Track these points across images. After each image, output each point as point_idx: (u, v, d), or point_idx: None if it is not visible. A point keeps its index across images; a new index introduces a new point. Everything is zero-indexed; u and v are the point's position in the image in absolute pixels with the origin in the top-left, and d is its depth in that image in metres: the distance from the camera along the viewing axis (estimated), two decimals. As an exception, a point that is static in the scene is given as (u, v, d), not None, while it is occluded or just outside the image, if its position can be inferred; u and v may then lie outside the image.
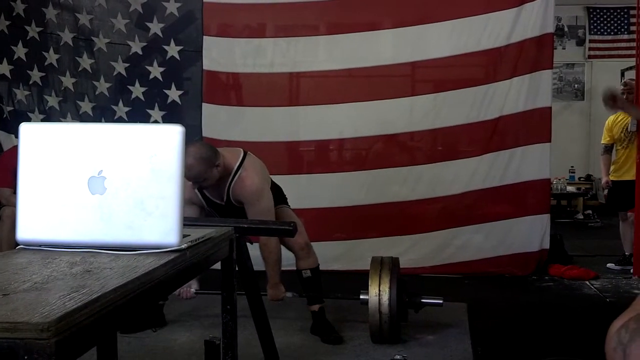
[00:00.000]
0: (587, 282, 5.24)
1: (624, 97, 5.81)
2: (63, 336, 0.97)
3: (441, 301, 3.68)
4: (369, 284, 3.55)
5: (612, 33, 10.27)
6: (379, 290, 3.50)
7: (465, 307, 4.38)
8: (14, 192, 4.69)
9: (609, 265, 5.79)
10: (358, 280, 4.05)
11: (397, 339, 3.62)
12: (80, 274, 1.28)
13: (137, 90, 5.77)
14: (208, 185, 3.44)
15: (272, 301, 3.70)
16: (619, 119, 5.86)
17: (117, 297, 1.16)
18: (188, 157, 3.25)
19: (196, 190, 3.53)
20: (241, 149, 3.65)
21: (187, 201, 3.40)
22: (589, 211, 9.38)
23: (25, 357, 0.94)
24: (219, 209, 3.64)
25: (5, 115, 5.89)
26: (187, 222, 1.59)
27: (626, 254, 5.75)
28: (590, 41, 10.38)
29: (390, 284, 3.51)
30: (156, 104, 5.77)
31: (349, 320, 4.06)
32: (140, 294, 1.27)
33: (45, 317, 0.96)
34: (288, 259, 3.84)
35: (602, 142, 6.08)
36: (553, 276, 5.41)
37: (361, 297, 3.60)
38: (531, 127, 5.48)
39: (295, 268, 3.88)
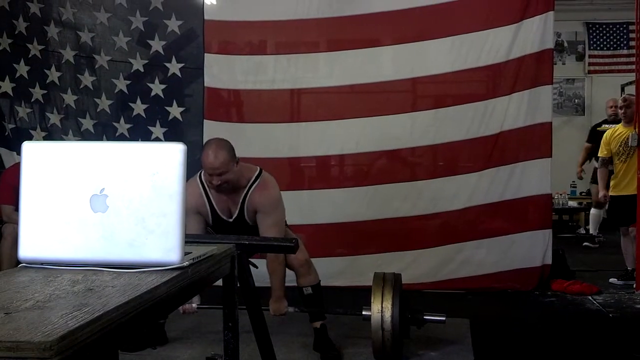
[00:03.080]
0: (590, 297, 5.22)
1: (623, 112, 5.84)
2: (65, 355, 0.97)
3: (444, 318, 3.66)
4: (372, 300, 3.54)
5: (611, 48, 10.31)
6: (382, 306, 3.49)
7: (468, 323, 4.36)
8: (16, 209, 4.69)
9: (611, 280, 5.77)
10: (360, 296, 4.04)
11: (399, 355, 3.60)
12: (82, 292, 1.28)
13: (139, 107, 5.80)
14: (226, 182, 3.40)
15: (275, 316, 3.70)
16: (617, 133, 5.87)
17: (119, 315, 1.16)
18: (211, 147, 3.35)
19: (205, 200, 3.54)
20: (255, 165, 3.69)
21: (193, 210, 3.43)
22: (591, 226, 9.36)
23: (28, 376, 0.94)
24: (223, 227, 3.64)
25: (7, 133, 5.90)
26: (189, 239, 1.60)
27: (628, 268, 5.74)
28: (590, 56, 10.42)
29: (392, 301, 3.51)
30: (157, 121, 5.79)
31: (351, 337, 4.05)
32: (142, 312, 1.27)
33: (48, 336, 0.96)
34: (288, 275, 3.83)
35: (600, 155, 6.09)
36: (556, 291, 5.39)
37: (364, 312, 3.59)
38: (532, 142, 5.48)
39: (295, 285, 3.87)
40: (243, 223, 3.60)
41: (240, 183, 3.51)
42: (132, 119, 5.82)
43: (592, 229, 7.98)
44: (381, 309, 3.49)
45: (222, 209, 3.58)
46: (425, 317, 3.66)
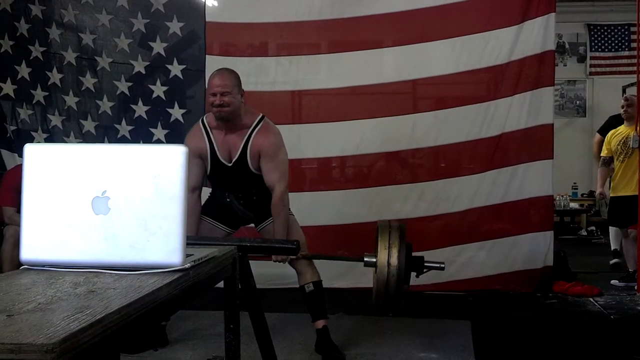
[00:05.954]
0: (591, 299, 5.22)
1: (624, 110, 5.85)
2: (67, 357, 0.97)
3: (443, 265, 3.66)
4: (378, 241, 3.43)
5: (613, 50, 10.31)
6: (389, 244, 3.42)
7: (470, 325, 4.36)
8: (17, 211, 4.69)
9: (612, 282, 5.76)
10: (361, 297, 4.04)
11: (399, 300, 3.46)
12: (84, 295, 1.28)
13: (140, 109, 5.80)
14: (227, 106, 3.51)
15: (277, 261, 3.69)
16: (617, 132, 5.88)
17: (120, 317, 1.16)
18: (220, 70, 3.65)
19: (206, 142, 3.60)
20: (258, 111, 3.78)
21: (194, 154, 3.48)
22: (593, 227, 9.35)
23: (30, 379, 0.94)
24: (221, 172, 3.65)
25: (9, 135, 5.91)
26: (190, 241, 1.60)
27: (629, 270, 5.73)
28: (592, 58, 10.42)
29: (399, 242, 3.43)
30: (159, 123, 5.79)
31: (354, 338, 4.04)
32: (144, 314, 1.28)
33: (50, 339, 0.96)
34: (291, 277, 3.82)
35: (601, 154, 6.12)
36: (557, 293, 5.39)
37: (365, 259, 3.50)
38: (533, 144, 5.48)
39: (297, 286, 3.87)
40: (242, 168, 3.62)
41: (242, 121, 3.60)
42: (134, 120, 5.82)
43: (614, 244, 6.61)
44: (388, 247, 3.40)
45: (222, 150, 3.62)
46: (425, 263, 3.63)
